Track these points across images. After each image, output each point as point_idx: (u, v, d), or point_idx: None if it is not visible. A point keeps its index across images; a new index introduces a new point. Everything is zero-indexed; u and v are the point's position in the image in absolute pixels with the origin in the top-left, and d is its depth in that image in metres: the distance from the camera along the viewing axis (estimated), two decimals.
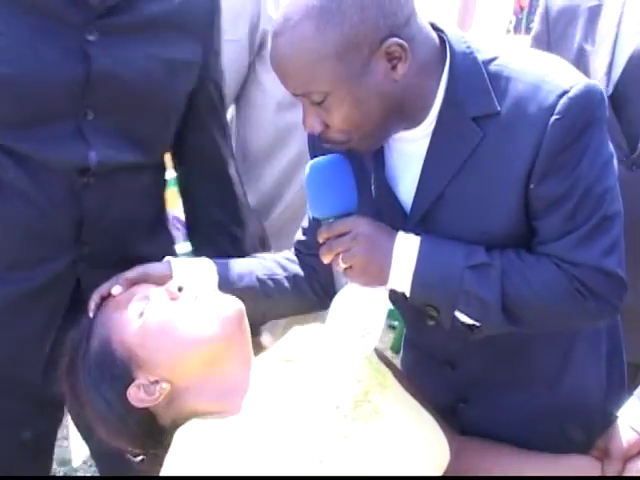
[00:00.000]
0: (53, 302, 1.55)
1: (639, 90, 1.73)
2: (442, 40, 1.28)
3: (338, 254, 1.28)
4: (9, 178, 1.48)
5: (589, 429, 1.43)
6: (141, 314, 1.28)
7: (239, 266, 1.49)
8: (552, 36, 1.89)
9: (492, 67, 1.26)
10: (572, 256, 1.25)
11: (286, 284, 1.51)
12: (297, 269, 1.53)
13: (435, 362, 1.49)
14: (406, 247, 1.27)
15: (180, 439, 1.19)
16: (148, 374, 1.25)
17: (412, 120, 1.28)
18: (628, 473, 1.37)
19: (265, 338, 1.60)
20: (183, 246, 3.10)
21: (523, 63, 1.26)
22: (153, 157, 1.61)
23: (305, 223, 1.55)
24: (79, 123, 1.47)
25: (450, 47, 1.27)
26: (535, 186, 1.23)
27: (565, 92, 1.20)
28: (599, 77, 1.72)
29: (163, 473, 1.17)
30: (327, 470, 1.15)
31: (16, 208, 1.49)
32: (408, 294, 1.29)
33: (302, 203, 1.53)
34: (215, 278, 1.43)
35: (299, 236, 1.57)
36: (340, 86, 1.19)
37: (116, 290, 1.36)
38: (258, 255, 1.59)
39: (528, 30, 9.25)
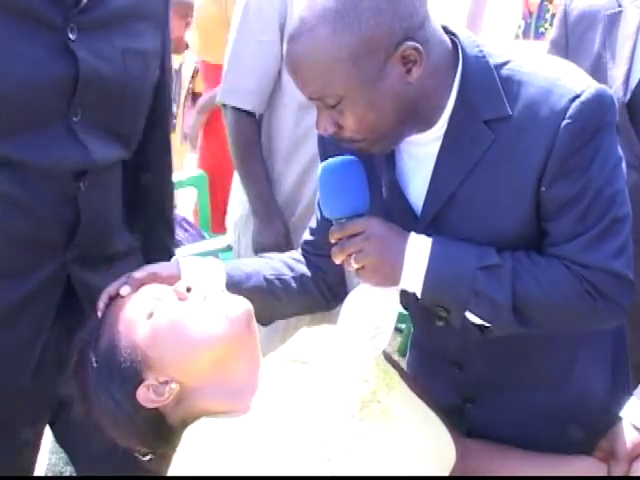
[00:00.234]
0: (44, 306, 1.52)
1: None
2: (454, 44, 1.28)
3: (350, 254, 1.29)
4: (3, 189, 1.43)
5: (593, 430, 1.43)
6: (150, 315, 1.28)
7: (247, 266, 1.50)
8: (571, 41, 1.90)
9: (504, 71, 1.27)
10: (582, 258, 1.26)
11: (293, 284, 1.51)
12: (304, 269, 1.54)
13: (442, 363, 1.50)
14: (418, 248, 1.28)
15: (189, 438, 1.19)
16: (157, 374, 1.25)
17: (425, 123, 1.29)
18: (634, 473, 1.37)
19: None
20: (191, 248, 3.12)
21: (535, 67, 1.27)
22: (130, 152, 1.61)
23: (313, 223, 1.56)
24: (70, 124, 1.45)
25: (462, 51, 1.27)
26: (546, 188, 1.24)
27: (577, 96, 1.21)
28: (617, 84, 1.72)
29: (171, 472, 1.17)
30: (335, 469, 1.15)
31: (9, 219, 1.45)
32: (419, 295, 1.30)
33: None
34: (223, 278, 1.43)
35: (306, 236, 1.57)
36: (355, 89, 1.20)
37: (125, 290, 1.36)
38: (265, 255, 1.60)
39: (537, 35, 9.25)
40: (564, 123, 1.21)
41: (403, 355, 3.09)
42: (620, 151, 1.28)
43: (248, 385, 1.28)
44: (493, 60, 1.28)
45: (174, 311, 1.28)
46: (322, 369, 1.35)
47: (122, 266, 1.53)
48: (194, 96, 4.20)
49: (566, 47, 1.90)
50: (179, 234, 3.32)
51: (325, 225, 1.40)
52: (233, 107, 2.29)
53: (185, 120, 4.11)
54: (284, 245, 2.23)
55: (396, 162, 1.36)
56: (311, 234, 1.56)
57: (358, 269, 1.30)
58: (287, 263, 1.54)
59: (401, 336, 3.59)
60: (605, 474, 1.39)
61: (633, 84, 1.76)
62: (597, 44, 1.83)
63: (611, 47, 1.82)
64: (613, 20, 1.84)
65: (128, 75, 1.50)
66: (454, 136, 1.28)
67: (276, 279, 1.50)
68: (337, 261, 1.32)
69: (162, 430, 1.28)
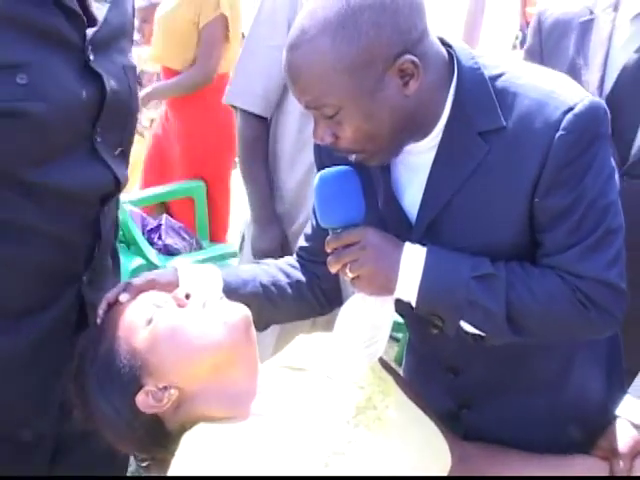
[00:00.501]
0: (62, 334, 1.48)
1: (630, 103, 1.76)
2: (450, 55, 1.30)
3: (346, 264, 1.30)
4: (29, 220, 1.37)
5: (590, 432, 1.44)
6: (149, 321, 1.29)
7: (243, 272, 1.52)
8: (545, 49, 1.92)
9: (499, 83, 1.28)
10: (576, 268, 1.27)
11: (289, 290, 1.52)
12: (299, 275, 1.55)
13: (438, 369, 1.51)
14: (413, 257, 1.29)
15: (187, 443, 1.20)
16: (156, 380, 1.26)
17: (420, 133, 1.30)
18: (636, 470, 1.38)
19: None
20: (190, 257, 3.13)
21: (529, 79, 1.28)
22: None
23: (308, 230, 1.57)
24: (94, 145, 1.42)
25: (458, 62, 1.29)
26: (540, 200, 1.25)
27: (570, 109, 1.23)
28: (591, 90, 1.74)
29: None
30: (332, 474, 1.16)
31: (33, 251, 1.39)
32: (414, 304, 1.30)
33: None
34: (220, 284, 1.44)
35: (302, 242, 1.58)
36: (352, 100, 1.21)
37: (123, 297, 1.36)
38: (261, 261, 1.61)
39: None
40: (558, 135, 1.22)
41: (400, 364, 3.09)
42: (613, 163, 1.29)
43: (246, 391, 1.29)
44: (488, 72, 1.29)
45: (173, 317, 1.29)
46: (318, 376, 1.36)
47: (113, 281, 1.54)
48: None
49: (541, 55, 1.92)
50: (177, 243, 3.33)
51: (320, 232, 1.41)
52: (242, 109, 2.31)
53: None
54: (279, 251, 2.24)
55: (391, 171, 1.37)
56: (306, 240, 1.57)
57: (353, 278, 1.30)
58: (283, 269, 1.55)
59: (398, 345, 3.59)
60: (607, 473, 1.40)
61: (607, 90, 1.78)
62: (571, 51, 1.85)
63: (584, 54, 1.84)
64: (586, 28, 1.86)
65: (131, 91, 1.50)
66: (448, 146, 1.30)
67: (272, 285, 1.51)
68: (333, 270, 1.33)
69: (161, 435, 1.29)
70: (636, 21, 1.80)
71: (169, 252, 3.28)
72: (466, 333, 1.33)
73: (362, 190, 1.31)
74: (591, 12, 1.87)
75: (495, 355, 1.41)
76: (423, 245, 1.31)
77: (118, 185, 1.48)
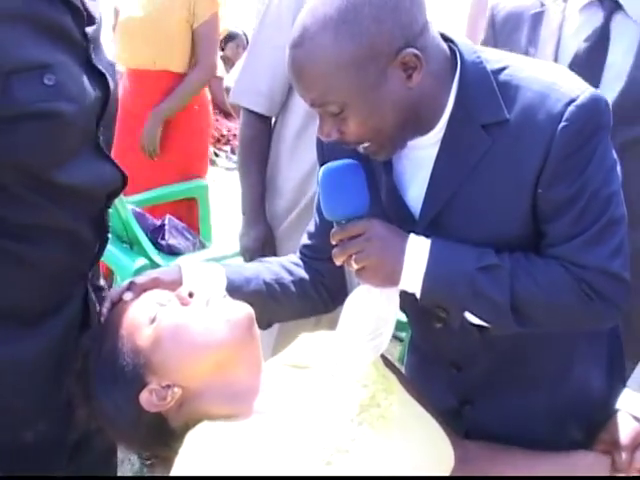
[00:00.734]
0: (72, 334, 1.46)
1: None
2: (452, 50, 1.30)
3: (351, 255, 1.30)
4: (48, 221, 1.35)
5: (593, 427, 1.44)
6: (153, 320, 1.29)
7: (247, 270, 1.52)
8: (498, 42, 1.94)
9: (501, 76, 1.29)
10: (580, 259, 1.27)
11: (292, 288, 1.53)
12: (303, 273, 1.55)
13: (440, 365, 1.51)
14: (417, 248, 1.29)
15: (190, 442, 1.20)
16: (160, 379, 1.26)
17: (424, 126, 1.30)
18: (637, 462, 1.38)
19: None
20: (193, 256, 3.14)
21: (531, 72, 1.29)
22: None
23: (311, 228, 1.57)
24: (98, 143, 1.40)
25: (460, 57, 1.29)
26: (543, 191, 1.26)
27: (572, 100, 1.23)
28: None
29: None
30: (335, 472, 1.16)
31: (51, 252, 1.37)
32: (419, 295, 1.31)
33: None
34: (224, 282, 1.44)
35: (304, 240, 1.59)
36: (356, 96, 1.22)
37: (127, 296, 1.37)
38: (265, 259, 1.61)
39: None
40: (560, 126, 1.23)
41: (403, 363, 3.10)
42: (615, 154, 1.30)
43: (250, 389, 1.29)
44: (491, 66, 1.29)
45: (177, 316, 1.29)
46: (322, 374, 1.36)
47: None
48: None
49: (495, 47, 1.96)
50: (180, 243, 3.33)
51: (324, 229, 1.41)
52: (245, 108, 2.32)
53: None
54: (261, 250, 2.27)
55: (394, 166, 1.38)
56: (309, 238, 1.57)
57: (358, 270, 1.31)
58: (286, 267, 1.55)
59: (401, 345, 3.59)
60: (608, 467, 1.40)
61: None
62: (523, 43, 1.89)
63: (536, 44, 1.88)
64: (537, 19, 1.90)
65: (114, 89, 1.47)
66: (452, 140, 1.30)
67: (275, 283, 1.51)
68: (338, 262, 1.33)
69: (164, 434, 1.29)
70: (585, 10, 1.84)
71: (172, 252, 3.28)
72: (470, 325, 1.33)
73: (366, 182, 1.31)
74: (542, 4, 1.91)
75: (497, 351, 1.42)
76: (427, 237, 1.31)
77: (124, 181, 1.47)
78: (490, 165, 1.28)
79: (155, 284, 1.39)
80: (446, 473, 1.33)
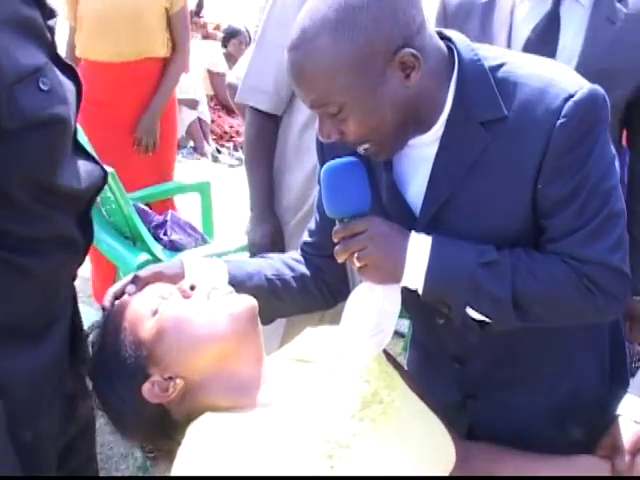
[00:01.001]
0: (67, 337, 1.44)
1: None
2: (449, 48, 1.31)
3: (353, 253, 1.31)
4: (49, 230, 1.32)
5: (593, 425, 1.44)
6: (155, 312, 1.30)
7: (249, 266, 1.53)
8: None
9: (499, 73, 1.29)
10: (580, 253, 1.28)
11: (293, 284, 1.53)
12: (304, 269, 1.56)
13: (443, 359, 1.52)
14: (419, 245, 1.30)
15: (192, 433, 1.21)
16: (162, 371, 1.27)
17: (424, 125, 1.31)
18: (638, 467, 1.38)
19: None
20: (195, 251, 3.14)
21: (529, 69, 1.30)
22: None
23: (312, 225, 1.58)
24: (77, 141, 1.37)
25: (458, 55, 1.30)
26: (543, 186, 1.27)
27: (571, 96, 1.24)
28: None
29: (175, 467, 1.18)
30: (336, 466, 1.17)
31: (48, 259, 1.33)
32: (421, 291, 1.31)
33: None
34: (226, 277, 1.45)
35: (306, 238, 1.60)
36: (356, 96, 1.22)
37: (130, 289, 1.38)
38: (267, 255, 1.62)
39: None
40: (559, 122, 1.23)
41: (405, 359, 3.10)
42: (613, 149, 1.30)
43: (252, 381, 1.30)
44: (488, 63, 1.30)
45: (178, 308, 1.30)
46: (325, 369, 1.37)
47: None
48: None
49: None
50: (183, 238, 3.34)
51: (325, 226, 1.42)
52: (251, 106, 2.33)
53: None
54: (269, 246, 2.27)
55: (394, 164, 1.38)
56: (310, 235, 1.58)
57: (361, 267, 1.31)
58: (287, 263, 1.56)
59: (403, 341, 3.60)
60: (609, 472, 1.40)
61: None
62: (476, 32, 1.88)
63: (489, 32, 1.89)
64: (488, 7, 1.91)
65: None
66: (451, 138, 1.31)
67: (277, 279, 1.52)
68: (340, 260, 1.34)
69: (167, 425, 1.30)
70: None
71: (175, 248, 3.28)
72: (472, 320, 1.34)
73: (368, 181, 1.32)
74: None
75: (499, 345, 1.42)
76: (428, 235, 1.31)
77: (105, 178, 1.44)
78: (489, 162, 1.29)
79: (158, 278, 1.40)
80: (447, 471, 1.33)
